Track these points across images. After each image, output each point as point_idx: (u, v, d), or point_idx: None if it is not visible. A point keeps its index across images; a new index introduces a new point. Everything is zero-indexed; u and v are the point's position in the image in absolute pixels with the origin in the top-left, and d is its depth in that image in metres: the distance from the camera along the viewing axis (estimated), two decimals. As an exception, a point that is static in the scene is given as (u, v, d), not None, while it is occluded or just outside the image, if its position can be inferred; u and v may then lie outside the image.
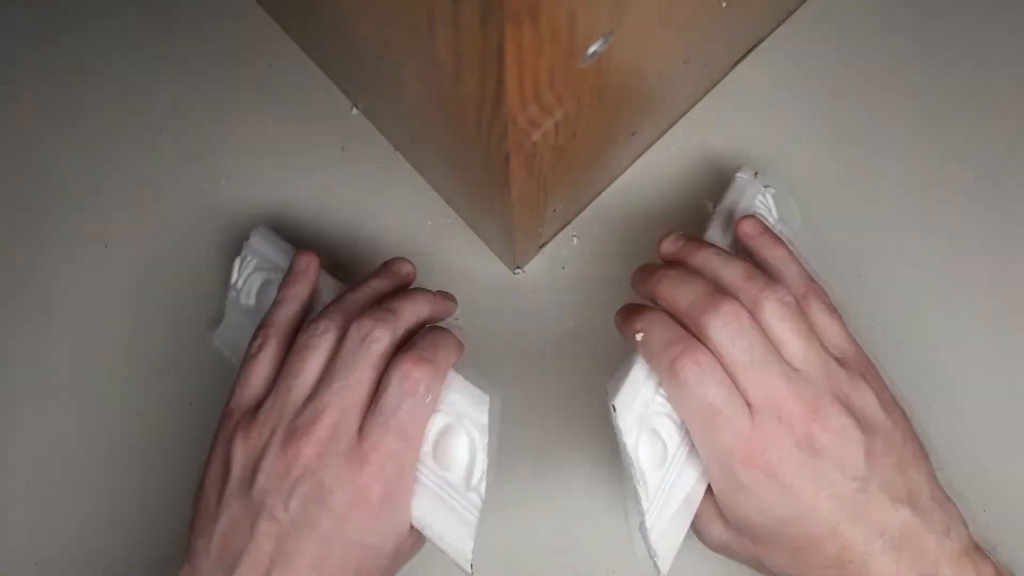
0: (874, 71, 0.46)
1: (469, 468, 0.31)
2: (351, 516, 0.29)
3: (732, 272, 0.32)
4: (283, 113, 0.47)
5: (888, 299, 0.43)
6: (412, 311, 0.33)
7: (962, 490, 0.41)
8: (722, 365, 0.30)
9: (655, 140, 0.46)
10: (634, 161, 0.45)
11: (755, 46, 0.47)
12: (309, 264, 0.36)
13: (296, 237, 0.45)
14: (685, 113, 0.46)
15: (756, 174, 0.41)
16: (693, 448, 0.32)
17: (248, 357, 0.33)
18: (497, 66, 0.21)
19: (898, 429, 0.31)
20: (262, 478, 0.29)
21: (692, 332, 0.31)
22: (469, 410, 0.32)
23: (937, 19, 0.47)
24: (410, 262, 0.37)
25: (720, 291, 0.31)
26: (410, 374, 0.30)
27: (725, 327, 0.29)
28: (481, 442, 0.31)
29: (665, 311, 0.32)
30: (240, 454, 0.30)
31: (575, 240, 0.45)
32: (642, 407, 0.31)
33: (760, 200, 0.40)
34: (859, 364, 0.33)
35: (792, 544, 0.30)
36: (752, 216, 0.36)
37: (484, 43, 0.20)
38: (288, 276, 0.36)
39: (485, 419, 0.31)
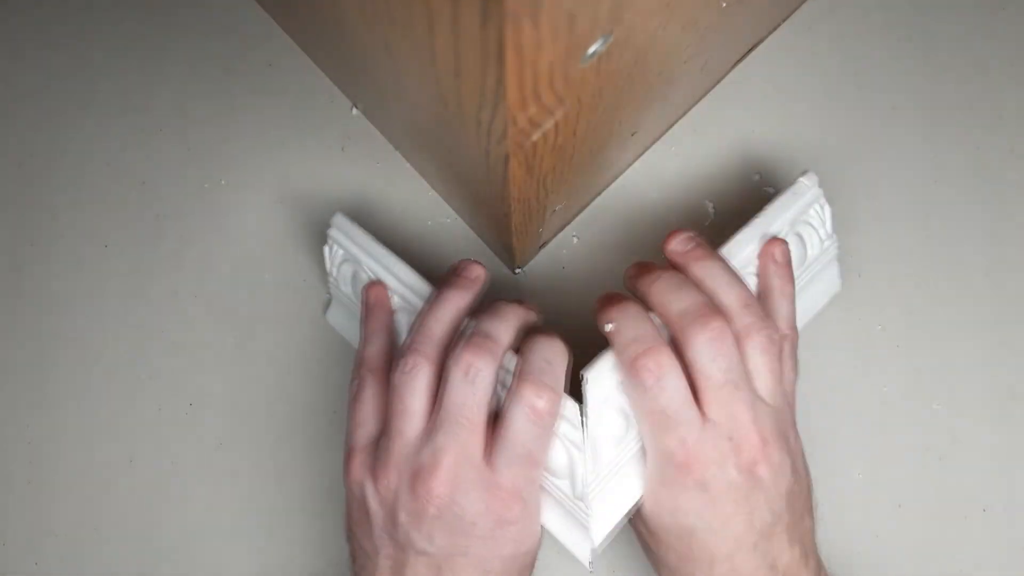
0: (874, 71, 0.46)
1: (572, 475, 0.32)
2: (498, 536, 0.31)
3: (731, 296, 0.32)
4: (283, 113, 0.47)
5: (888, 299, 0.43)
6: (507, 331, 0.32)
7: (962, 489, 0.41)
8: (690, 375, 0.31)
9: (655, 140, 0.46)
10: (634, 161, 0.45)
11: (755, 46, 0.47)
12: (379, 296, 0.37)
13: (297, 237, 0.45)
14: (685, 113, 0.46)
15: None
16: None
17: (353, 399, 0.34)
18: (497, 66, 0.21)
19: (807, 480, 0.34)
20: (403, 517, 0.30)
21: (675, 338, 0.31)
22: (566, 427, 0.32)
23: (937, 19, 0.47)
24: (480, 264, 0.36)
25: (713, 307, 0.31)
26: (535, 406, 0.30)
27: (709, 343, 0.30)
28: (579, 455, 0.31)
29: (641, 307, 0.32)
30: (374, 498, 0.31)
31: (575, 240, 0.45)
32: (612, 386, 0.32)
33: (816, 210, 0.38)
34: (793, 413, 0.34)
35: (685, 553, 0.31)
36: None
37: (484, 43, 0.20)
38: (364, 312, 0.37)
39: (580, 435, 0.31)
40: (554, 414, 0.30)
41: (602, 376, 0.32)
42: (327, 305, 0.43)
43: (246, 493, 0.42)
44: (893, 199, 0.44)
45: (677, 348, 0.31)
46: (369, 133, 0.47)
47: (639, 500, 0.33)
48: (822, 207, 0.39)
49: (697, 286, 0.32)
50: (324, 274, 0.44)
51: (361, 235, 0.38)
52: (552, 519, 0.33)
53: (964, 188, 0.44)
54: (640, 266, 0.35)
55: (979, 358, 0.42)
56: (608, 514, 0.32)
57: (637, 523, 0.34)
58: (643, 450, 0.33)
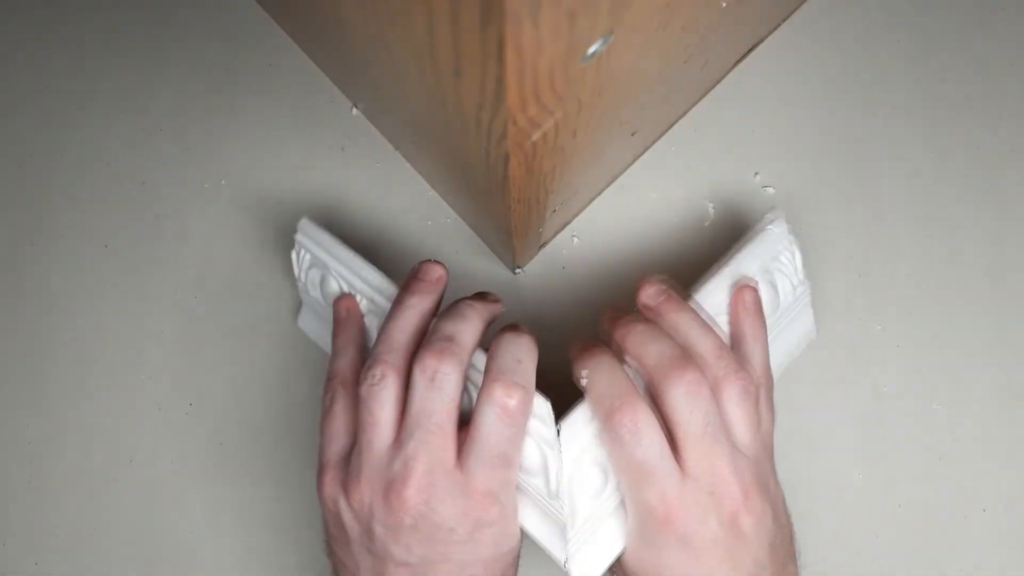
0: (874, 71, 0.46)
1: (545, 473, 0.31)
2: (477, 539, 0.30)
3: (705, 345, 0.32)
4: (283, 113, 0.47)
5: (888, 299, 0.43)
6: (470, 331, 0.32)
7: (962, 489, 0.41)
8: (668, 426, 0.31)
9: (655, 140, 0.46)
10: (634, 161, 0.45)
11: (755, 46, 0.47)
12: (349, 309, 0.37)
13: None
14: (685, 113, 0.46)
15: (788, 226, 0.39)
16: None
17: (324, 412, 0.34)
18: (497, 66, 0.21)
19: (790, 528, 0.33)
20: (379, 530, 0.30)
21: (651, 388, 0.31)
22: (537, 424, 0.31)
23: (937, 19, 0.47)
24: (440, 263, 0.35)
25: (687, 357, 0.31)
26: (506, 406, 0.30)
27: (686, 395, 0.30)
28: (552, 453, 0.31)
29: (614, 356, 0.32)
30: (348, 513, 0.31)
31: (575, 240, 0.45)
32: (589, 437, 0.32)
33: (786, 257, 0.38)
34: (771, 460, 0.34)
35: None
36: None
37: (484, 43, 0.20)
38: (335, 325, 0.37)
39: (553, 432, 0.31)
40: (526, 413, 0.30)
41: (578, 427, 0.31)
42: (298, 310, 0.43)
43: (246, 493, 0.42)
44: (893, 199, 0.44)
45: (653, 398, 0.31)
46: (369, 133, 0.47)
47: (620, 554, 0.32)
48: (792, 253, 0.38)
49: (671, 334, 0.32)
50: None
51: (327, 239, 0.38)
52: (527, 517, 0.33)
53: (964, 188, 0.44)
54: (612, 314, 0.35)
55: (979, 358, 0.42)
56: (588, 570, 0.32)
57: (619, 574, 0.34)
58: (623, 504, 0.32)
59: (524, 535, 0.33)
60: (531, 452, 0.31)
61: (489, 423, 0.30)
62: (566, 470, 0.31)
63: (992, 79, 0.46)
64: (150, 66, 0.48)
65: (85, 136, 0.47)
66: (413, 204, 0.45)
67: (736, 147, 0.45)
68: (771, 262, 0.37)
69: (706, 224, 0.44)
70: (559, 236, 0.45)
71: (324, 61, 0.46)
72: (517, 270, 0.44)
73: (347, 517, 0.31)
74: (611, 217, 0.45)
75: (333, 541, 0.33)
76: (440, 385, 0.30)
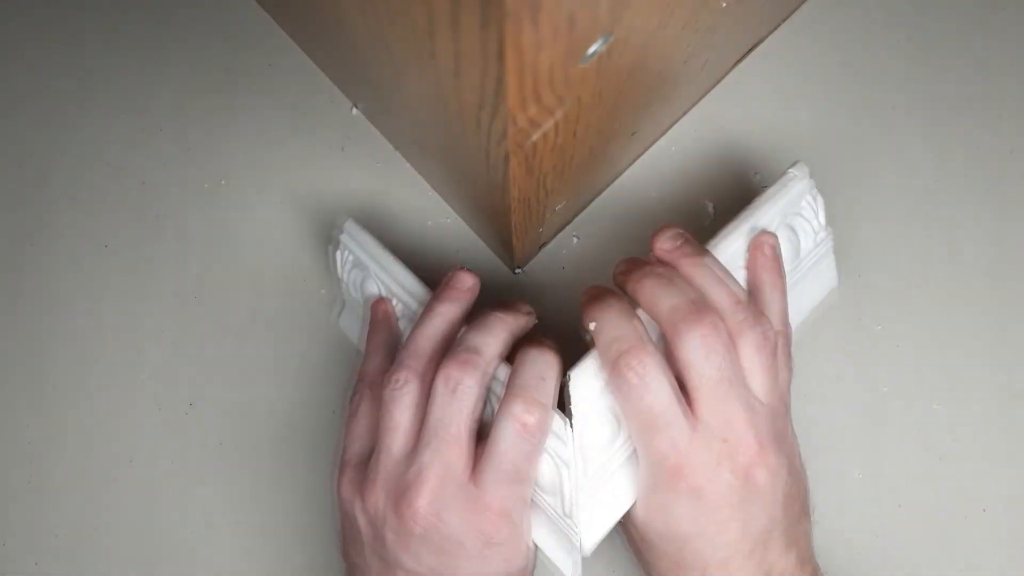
0: (874, 71, 0.46)
1: (560, 492, 0.31)
2: (486, 555, 0.30)
3: (722, 293, 0.31)
4: (283, 113, 0.47)
5: (888, 299, 0.43)
6: (495, 343, 0.31)
7: (962, 489, 0.41)
8: (682, 376, 0.30)
9: (655, 140, 0.46)
10: (634, 161, 0.45)
11: (755, 46, 0.47)
12: (385, 312, 0.37)
13: (296, 237, 0.45)
14: (685, 113, 0.46)
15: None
16: None
17: (350, 413, 0.34)
18: (497, 66, 0.21)
19: (804, 481, 0.33)
20: (390, 537, 0.30)
21: (666, 336, 0.30)
22: (554, 442, 0.31)
23: (937, 19, 0.47)
24: (471, 273, 0.34)
25: (704, 305, 0.30)
26: (525, 423, 0.29)
27: (702, 344, 0.29)
28: (566, 469, 0.31)
29: (626, 304, 0.32)
30: (362, 516, 0.31)
31: (575, 240, 0.45)
32: (599, 387, 0.31)
33: (808, 201, 0.37)
34: (788, 411, 0.33)
35: (678, 560, 0.30)
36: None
37: (484, 43, 0.20)
38: (369, 328, 0.37)
39: (570, 452, 0.30)
40: (545, 431, 0.30)
41: (588, 376, 0.31)
42: (340, 309, 0.43)
43: (246, 493, 0.42)
44: (893, 199, 0.44)
45: (668, 347, 0.30)
46: (369, 133, 0.47)
47: (630, 508, 0.32)
48: (814, 198, 0.38)
49: (687, 283, 0.31)
50: (324, 274, 0.44)
51: (371, 242, 0.38)
52: (540, 534, 0.32)
53: (964, 188, 0.44)
54: (629, 262, 0.34)
55: (979, 358, 0.42)
56: (598, 522, 0.31)
57: (627, 527, 0.33)
58: (634, 456, 0.32)
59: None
60: (547, 470, 0.31)
61: (507, 439, 0.29)
62: (576, 420, 0.30)
63: (992, 79, 0.46)
64: (150, 66, 0.48)
65: (85, 136, 0.47)
66: (413, 204, 0.45)
67: (736, 147, 0.45)
68: (792, 209, 0.37)
69: (706, 224, 0.44)
70: (559, 236, 0.45)
71: (324, 61, 0.46)
72: (517, 270, 0.44)
73: (361, 520, 0.31)
74: (611, 217, 0.45)
75: (347, 542, 0.33)
76: (460, 396, 0.30)
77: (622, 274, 0.34)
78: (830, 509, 0.41)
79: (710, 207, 0.44)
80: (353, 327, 0.42)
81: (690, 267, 0.32)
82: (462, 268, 0.35)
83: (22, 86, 0.49)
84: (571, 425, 0.30)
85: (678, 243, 0.33)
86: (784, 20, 0.47)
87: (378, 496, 0.30)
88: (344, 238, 0.39)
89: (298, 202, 0.46)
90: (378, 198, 0.45)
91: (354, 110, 0.47)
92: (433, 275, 0.44)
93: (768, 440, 0.30)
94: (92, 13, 0.49)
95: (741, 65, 0.47)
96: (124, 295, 0.45)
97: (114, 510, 0.42)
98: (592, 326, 0.31)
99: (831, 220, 0.44)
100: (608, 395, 0.31)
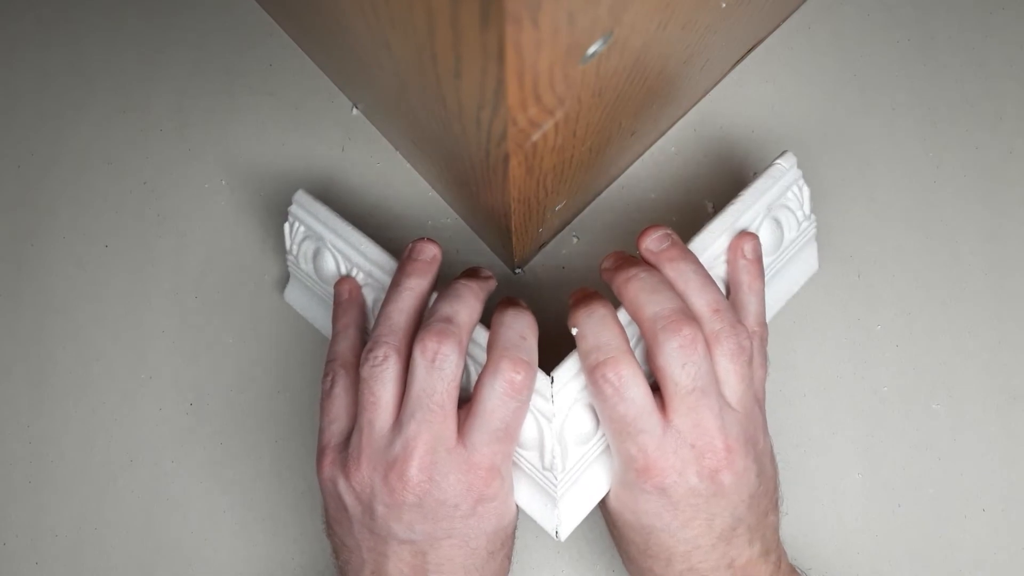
0: (874, 71, 0.46)
1: (541, 447, 0.32)
2: (480, 512, 0.31)
3: (703, 299, 0.32)
4: (283, 113, 0.47)
5: (888, 299, 0.43)
6: (467, 312, 0.32)
7: (961, 489, 0.41)
8: (658, 378, 0.31)
9: (655, 140, 0.46)
10: (634, 161, 0.45)
11: (755, 46, 0.47)
12: (351, 290, 0.37)
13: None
14: (685, 113, 0.46)
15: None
16: None
17: (324, 394, 0.34)
18: (497, 66, 0.21)
19: (774, 478, 0.34)
20: (380, 510, 0.31)
21: (646, 340, 0.31)
22: (537, 398, 0.32)
23: (937, 19, 0.47)
24: (433, 241, 0.35)
25: (685, 312, 0.31)
26: (512, 381, 0.30)
27: (680, 350, 0.30)
28: (546, 423, 0.32)
29: (609, 310, 0.32)
30: (349, 493, 0.31)
31: (575, 240, 0.45)
32: (581, 385, 0.32)
33: (794, 192, 0.38)
34: (763, 412, 0.34)
35: (644, 549, 0.32)
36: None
37: (484, 43, 0.20)
38: (335, 308, 0.37)
39: (551, 406, 0.32)
40: (531, 388, 0.31)
41: (570, 376, 0.32)
42: (284, 284, 0.42)
43: (246, 493, 0.42)
44: (893, 199, 0.44)
45: (648, 350, 0.31)
46: (369, 133, 0.47)
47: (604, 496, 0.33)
48: (800, 188, 0.38)
49: (669, 288, 0.32)
50: None
51: (324, 211, 0.38)
52: (521, 491, 0.33)
53: (964, 188, 0.44)
54: (616, 257, 0.35)
55: (979, 358, 0.42)
56: (576, 509, 0.33)
57: (604, 511, 0.35)
58: (610, 448, 0.33)
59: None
60: (529, 426, 0.32)
61: (495, 397, 0.30)
62: (559, 417, 0.32)
63: (992, 79, 0.46)
64: (150, 66, 0.48)
65: (85, 136, 0.47)
66: (413, 204, 0.45)
67: (736, 147, 0.45)
68: (778, 197, 0.37)
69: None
70: (559, 236, 0.45)
71: (324, 61, 0.46)
72: (517, 270, 0.44)
73: (348, 498, 0.31)
74: (611, 217, 0.45)
75: (333, 522, 0.33)
76: (440, 365, 0.30)
77: (608, 270, 0.35)
78: (830, 509, 0.41)
79: (710, 207, 0.44)
80: (300, 301, 0.41)
81: (673, 270, 0.33)
82: (422, 238, 0.35)
83: (22, 86, 0.49)
84: (554, 416, 0.31)
85: (664, 245, 0.34)
86: (784, 20, 0.47)
87: (364, 471, 0.31)
88: (294, 209, 0.39)
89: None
90: (378, 198, 0.45)
91: (354, 110, 0.47)
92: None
93: (737, 444, 0.31)
94: (92, 13, 0.49)
95: (741, 65, 0.47)
96: (125, 295, 0.45)
97: (114, 510, 0.42)
98: (574, 332, 0.32)
99: (831, 220, 0.44)
100: (588, 394, 0.32)
